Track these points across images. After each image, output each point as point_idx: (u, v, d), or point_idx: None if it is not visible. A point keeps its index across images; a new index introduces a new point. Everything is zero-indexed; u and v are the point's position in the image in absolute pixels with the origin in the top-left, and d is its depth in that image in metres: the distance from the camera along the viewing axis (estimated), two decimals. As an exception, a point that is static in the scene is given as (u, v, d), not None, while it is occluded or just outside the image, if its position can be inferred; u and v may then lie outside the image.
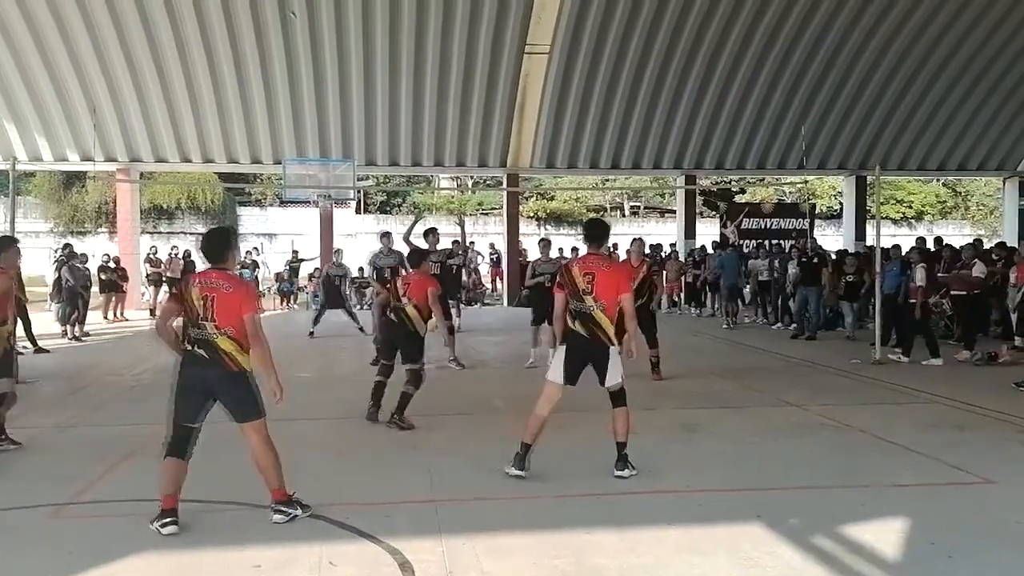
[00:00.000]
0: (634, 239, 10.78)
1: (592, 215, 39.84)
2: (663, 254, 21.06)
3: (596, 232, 5.99)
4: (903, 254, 13.05)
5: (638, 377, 9.74)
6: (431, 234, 11.23)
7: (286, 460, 5.51)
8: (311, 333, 14.50)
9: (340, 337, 11.79)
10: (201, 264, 5.16)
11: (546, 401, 5.67)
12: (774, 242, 19.29)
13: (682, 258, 20.85)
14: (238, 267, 20.28)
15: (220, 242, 4.98)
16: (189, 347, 4.74)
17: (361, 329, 14.10)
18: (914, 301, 11.48)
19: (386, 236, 11.88)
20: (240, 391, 4.73)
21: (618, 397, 5.71)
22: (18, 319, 11.05)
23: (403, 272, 9.06)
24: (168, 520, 4.56)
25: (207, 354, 4.68)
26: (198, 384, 4.72)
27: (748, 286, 17.73)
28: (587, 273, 5.68)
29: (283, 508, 4.77)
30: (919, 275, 11.63)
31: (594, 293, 5.61)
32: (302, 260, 23.75)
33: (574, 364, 5.62)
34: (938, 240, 16.35)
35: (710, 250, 20.30)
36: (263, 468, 4.81)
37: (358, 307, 20.85)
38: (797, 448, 6.61)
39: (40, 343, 12.65)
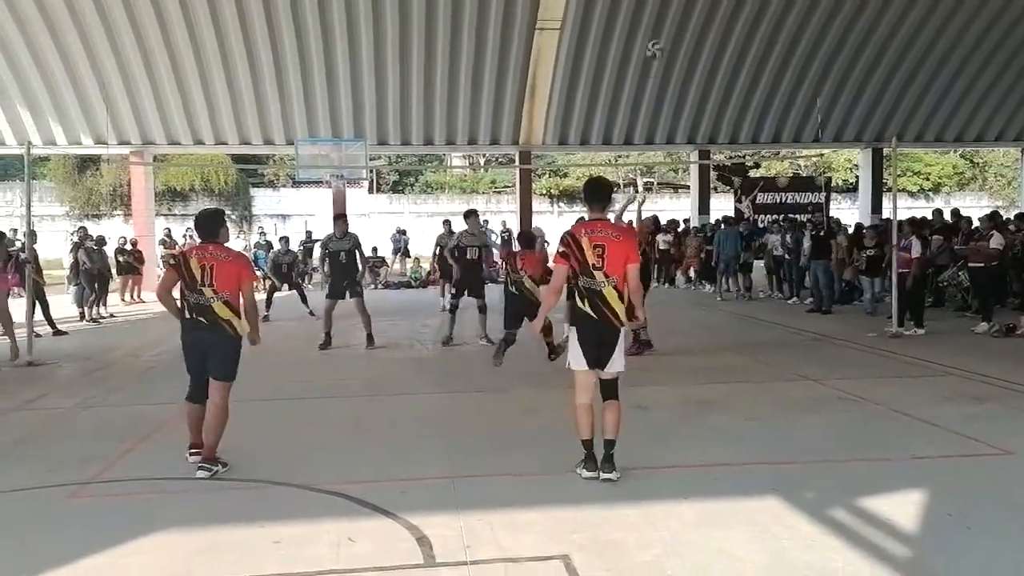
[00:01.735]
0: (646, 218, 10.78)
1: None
2: (679, 229, 20.95)
3: (601, 192, 5.27)
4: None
5: (650, 354, 9.76)
6: (472, 215, 11.65)
7: (307, 439, 5.60)
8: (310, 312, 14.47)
9: (350, 318, 11.85)
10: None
11: (582, 390, 5.15)
12: (790, 216, 19.12)
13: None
14: (254, 248, 20.41)
15: (214, 220, 5.66)
16: (189, 314, 5.41)
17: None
18: (906, 271, 11.42)
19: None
20: (228, 354, 5.42)
21: (611, 388, 5.15)
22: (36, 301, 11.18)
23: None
24: (192, 451, 5.52)
25: (207, 320, 5.37)
26: (197, 346, 5.44)
27: (763, 260, 17.62)
28: (597, 245, 5.03)
29: (208, 465, 5.35)
30: (915, 246, 11.61)
31: (605, 268, 5.02)
32: (316, 241, 23.79)
33: (589, 346, 5.09)
34: (955, 212, 16.19)
35: (721, 226, 20.17)
36: (210, 426, 5.41)
37: (371, 286, 20.93)
38: (813, 422, 6.59)
39: (59, 326, 12.79)
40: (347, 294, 10.94)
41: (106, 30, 17.97)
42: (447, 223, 17.89)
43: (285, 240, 16.82)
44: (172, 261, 5.86)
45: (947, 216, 15.95)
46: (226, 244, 5.65)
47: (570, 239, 5.14)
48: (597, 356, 5.11)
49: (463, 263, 11.39)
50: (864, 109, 21.42)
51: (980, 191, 38.97)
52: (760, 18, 18.88)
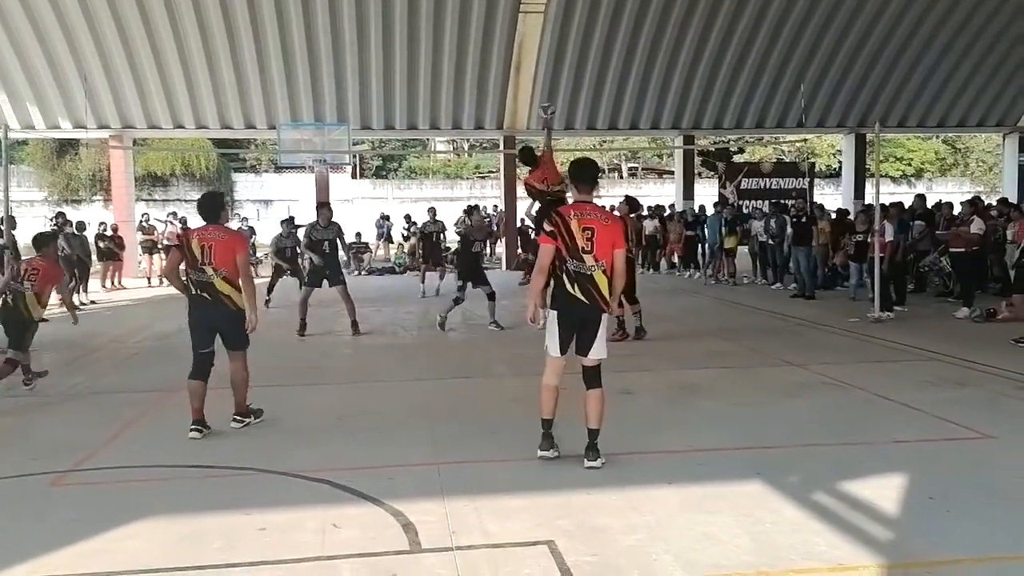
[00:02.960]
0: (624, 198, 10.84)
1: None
2: (664, 215, 21.00)
3: (589, 174, 5.17)
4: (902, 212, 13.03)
5: (633, 341, 9.78)
6: (475, 211, 12.10)
7: (292, 426, 5.62)
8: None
9: (333, 304, 11.82)
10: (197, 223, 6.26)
11: (552, 373, 5.09)
12: (774, 201, 19.20)
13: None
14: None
15: (214, 203, 6.19)
16: (194, 291, 5.93)
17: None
18: (883, 256, 11.52)
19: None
20: (238, 326, 5.96)
21: (594, 376, 5.04)
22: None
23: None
24: (194, 427, 5.83)
25: (210, 296, 5.86)
26: (204, 321, 5.94)
27: (747, 246, 17.69)
28: (587, 228, 4.90)
29: (240, 418, 6.07)
30: (887, 230, 11.75)
31: (594, 252, 4.91)
32: (299, 226, 23.63)
33: (569, 332, 5.00)
34: (937, 204, 16.18)
35: (710, 211, 20.23)
36: (236, 384, 6.04)
37: (355, 272, 20.85)
38: (797, 407, 6.64)
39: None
40: (327, 283, 10.85)
41: (84, 11, 17.71)
42: (432, 210, 17.83)
43: (289, 222, 15.95)
44: (176, 242, 6.39)
45: (930, 204, 16.02)
46: (225, 224, 6.20)
47: (559, 219, 4.99)
48: (576, 342, 5.03)
49: (466, 256, 11.41)
50: (847, 94, 21.51)
51: (962, 176, 39.30)
52: (744, 2, 18.87)
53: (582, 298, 4.94)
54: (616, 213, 8.62)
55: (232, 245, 5.95)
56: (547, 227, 5.06)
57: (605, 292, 4.97)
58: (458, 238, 13.25)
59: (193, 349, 5.94)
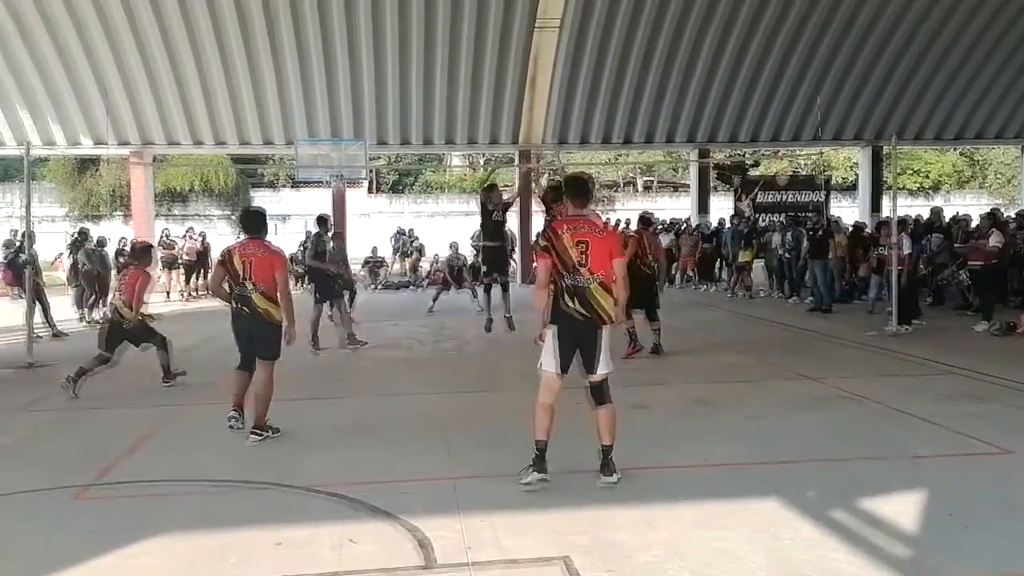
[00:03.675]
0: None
1: (607, 187, 39.55)
2: (679, 228, 20.98)
3: (583, 188, 5.20)
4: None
5: (644, 353, 9.72)
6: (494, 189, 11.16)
7: (309, 440, 5.67)
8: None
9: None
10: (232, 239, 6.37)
11: (547, 390, 4.98)
12: (790, 215, 19.15)
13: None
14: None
15: (256, 219, 6.61)
16: (235, 304, 6.31)
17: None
18: (901, 268, 11.45)
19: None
20: (270, 338, 6.27)
21: (602, 392, 4.99)
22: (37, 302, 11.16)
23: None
24: (233, 414, 6.34)
25: (248, 310, 6.24)
26: (243, 332, 6.36)
27: (764, 260, 17.63)
28: (580, 241, 4.91)
29: (258, 432, 6.13)
30: (904, 244, 11.69)
31: (589, 265, 4.90)
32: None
33: (568, 348, 4.95)
34: (953, 219, 16.02)
35: (728, 224, 20.21)
36: (259, 397, 6.19)
37: (372, 287, 20.92)
38: (813, 421, 6.60)
39: (58, 328, 12.77)
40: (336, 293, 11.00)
41: (105, 30, 17.97)
42: (454, 245, 17.93)
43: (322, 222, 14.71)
44: (220, 258, 6.62)
45: (948, 216, 15.92)
46: (265, 240, 6.50)
47: (551, 234, 5.03)
48: (581, 359, 4.99)
49: (489, 248, 10.98)
50: (864, 107, 21.41)
51: (980, 189, 38.98)
52: (760, 15, 18.88)
53: (581, 311, 4.91)
54: (627, 228, 8.36)
55: (271, 262, 6.26)
56: (541, 242, 5.09)
57: (605, 305, 4.93)
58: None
59: (238, 349, 6.47)
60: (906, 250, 11.80)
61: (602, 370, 4.98)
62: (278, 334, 6.28)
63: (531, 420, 4.98)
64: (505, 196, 11.09)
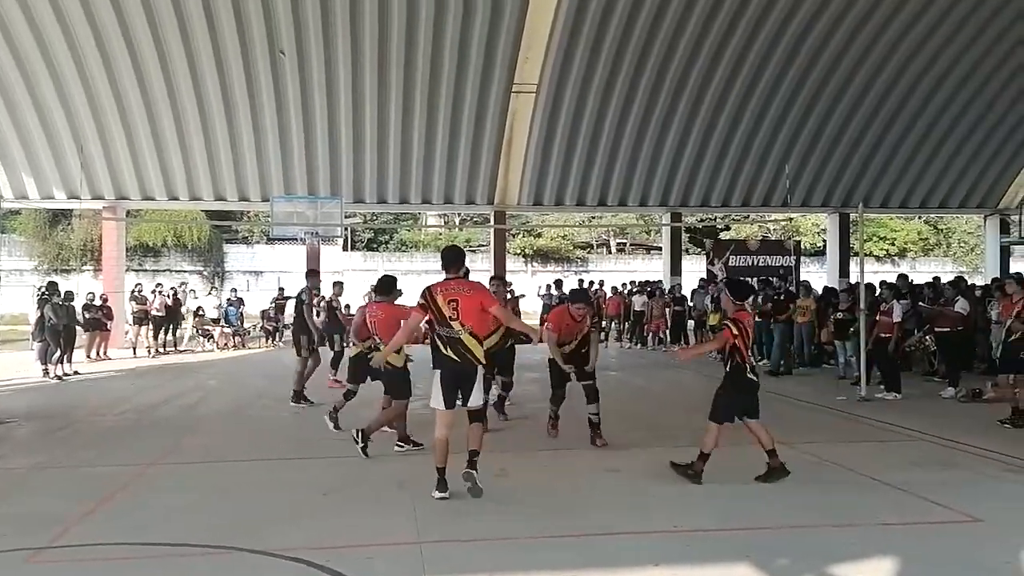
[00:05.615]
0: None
1: (580, 248, 39.92)
2: (650, 291, 21.15)
3: (452, 257, 6.26)
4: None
5: (615, 414, 9.61)
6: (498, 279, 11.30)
7: (276, 502, 5.53)
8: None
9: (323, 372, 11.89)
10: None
11: (442, 425, 6.05)
12: (761, 279, 19.36)
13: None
14: (226, 304, 19.61)
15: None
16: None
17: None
18: (888, 336, 11.55)
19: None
20: (397, 379, 7.62)
21: (477, 414, 6.17)
22: None
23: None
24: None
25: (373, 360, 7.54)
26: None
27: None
28: (451, 300, 5.98)
29: (401, 444, 7.64)
30: (896, 311, 11.73)
31: (460, 318, 5.93)
32: (288, 298, 23.64)
33: (450, 388, 5.97)
34: (931, 284, 16.13)
35: (697, 287, 20.46)
36: (386, 416, 7.82)
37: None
38: (784, 486, 6.57)
39: (22, 383, 12.50)
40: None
41: (83, 83, 18.00)
42: None
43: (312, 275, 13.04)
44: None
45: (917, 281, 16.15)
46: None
47: (428, 295, 6.10)
48: (455, 396, 6.00)
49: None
50: (831, 174, 21.94)
51: (944, 256, 39.82)
52: (731, 84, 19.39)
53: (455, 357, 5.98)
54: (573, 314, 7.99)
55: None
56: (420, 300, 6.13)
57: (476, 351, 5.99)
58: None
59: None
60: (896, 317, 11.68)
61: (475, 402, 6.10)
62: (405, 374, 7.57)
63: (434, 452, 6.06)
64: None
